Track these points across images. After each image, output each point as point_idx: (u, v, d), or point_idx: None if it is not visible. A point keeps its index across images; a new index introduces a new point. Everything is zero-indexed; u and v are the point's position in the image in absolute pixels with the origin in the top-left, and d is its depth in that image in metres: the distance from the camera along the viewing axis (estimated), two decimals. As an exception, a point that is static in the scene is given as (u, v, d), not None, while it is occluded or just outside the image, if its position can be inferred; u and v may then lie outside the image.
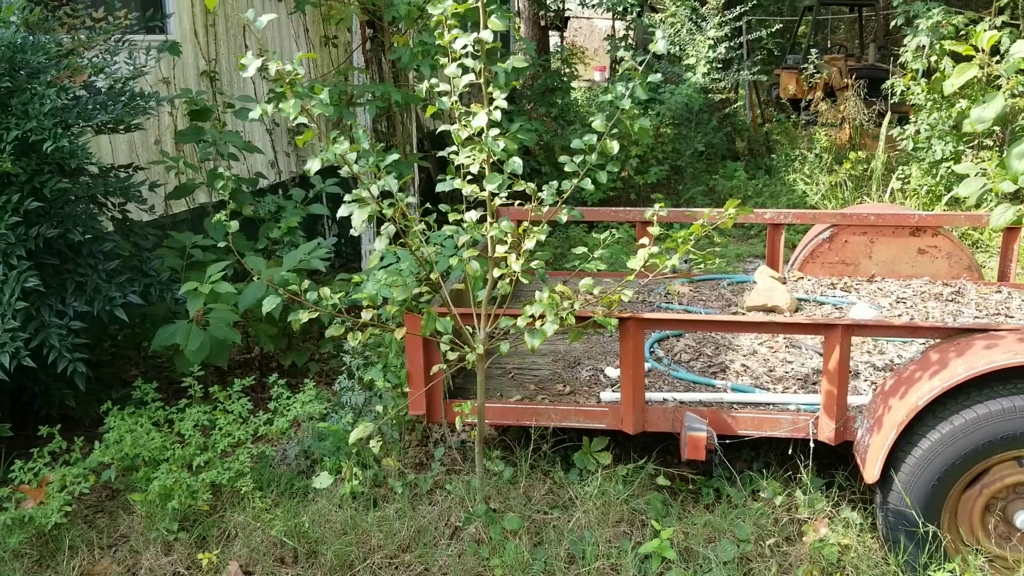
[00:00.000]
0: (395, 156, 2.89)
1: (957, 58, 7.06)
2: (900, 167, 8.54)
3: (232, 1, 6.56)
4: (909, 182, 8.21)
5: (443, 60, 3.22)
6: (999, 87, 6.71)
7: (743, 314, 4.52)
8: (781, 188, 9.65)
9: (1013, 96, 6.09)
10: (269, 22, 6.73)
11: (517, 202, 3.27)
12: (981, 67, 6.14)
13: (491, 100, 3.15)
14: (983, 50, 4.55)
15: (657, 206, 3.29)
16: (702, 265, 5.54)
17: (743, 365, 3.95)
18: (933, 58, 7.75)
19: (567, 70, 11.53)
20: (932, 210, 7.79)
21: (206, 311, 4.27)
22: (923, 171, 8.00)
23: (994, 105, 3.88)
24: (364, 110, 6.30)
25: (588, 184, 3.21)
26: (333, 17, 6.32)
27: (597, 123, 3.18)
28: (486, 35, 3.09)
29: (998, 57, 6.79)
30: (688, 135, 10.37)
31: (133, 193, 4.35)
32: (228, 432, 3.75)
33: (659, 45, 3.08)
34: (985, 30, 4.62)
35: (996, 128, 6.55)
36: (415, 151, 7.04)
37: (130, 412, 3.82)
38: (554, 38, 17.85)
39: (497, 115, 3.11)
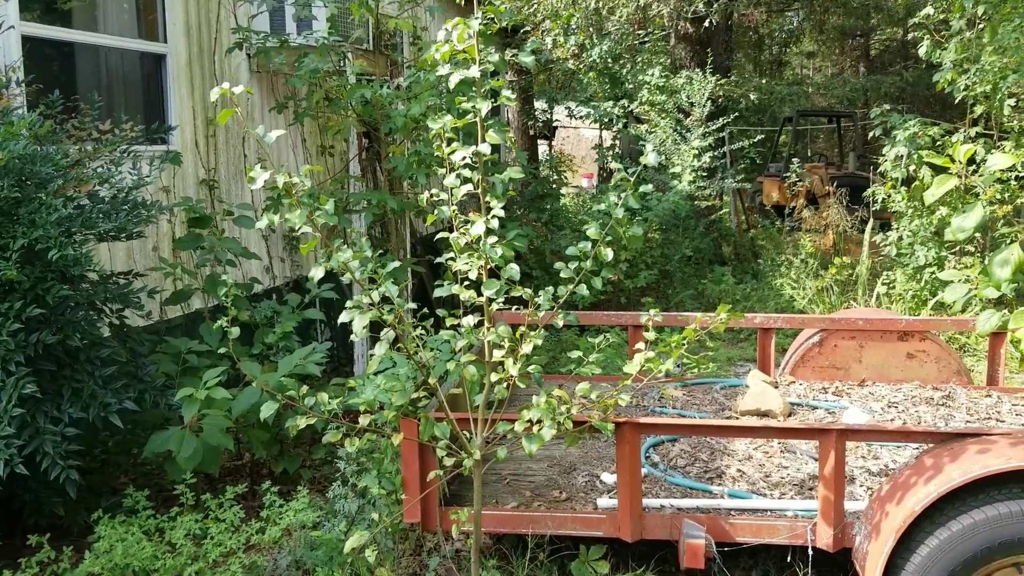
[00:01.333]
0: (395, 264, 2.96)
1: (935, 168, 7.30)
2: (885, 272, 8.70)
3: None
4: (894, 287, 8.36)
5: (440, 170, 3.33)
6: (977, 194, 6.93)
7: (737, 418, 4.54)
8: (769, 292, 9.79)
9: (991, 204, 6.29)
10: (269, 131, 6.88)
11: (514, 307, 3.33)
12: (959, 177, 6.36)
13: (488, 209, 3.25)
14: (960, 162, 4.74)
15: (653, 311, 3.36)
16: (695, 369, 5.59)
17: (739, 470, 3.95)
18: (912, 167, 8.01)
19: (556, 178, 11.82)
20: (918, 314, 7.91)
21: (199, 417, 4.26)
22: (907, 276, 8.15)
23: (974, 215, 4.03)
24: (360, 216, 6.43)
25: (583, 290, 3.28)
26: (331, 128, 6.52)
27: (592, 231, 3.27)
28: (484, 148, 3.21)
29: (975, 167, 7.03)
30: (676, 240, 10.58)
31: (132, 300, 4.40)
32: (220, 541, 3.69)
33: (650, 158, 3.20)
34: (961, 142, 4.82)
35: (977, 234, 6.74)
36: (408, 256, 7.16)
37: (120, 521, 3.77)
38: (542, 146, 18.34)
39: (495, 223, 3.20)
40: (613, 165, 3.38)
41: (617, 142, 14.45)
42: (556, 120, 17.13)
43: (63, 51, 5.39)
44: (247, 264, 6.71)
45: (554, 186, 11.51)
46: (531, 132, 15.37)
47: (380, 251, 6.95)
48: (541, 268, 9.66)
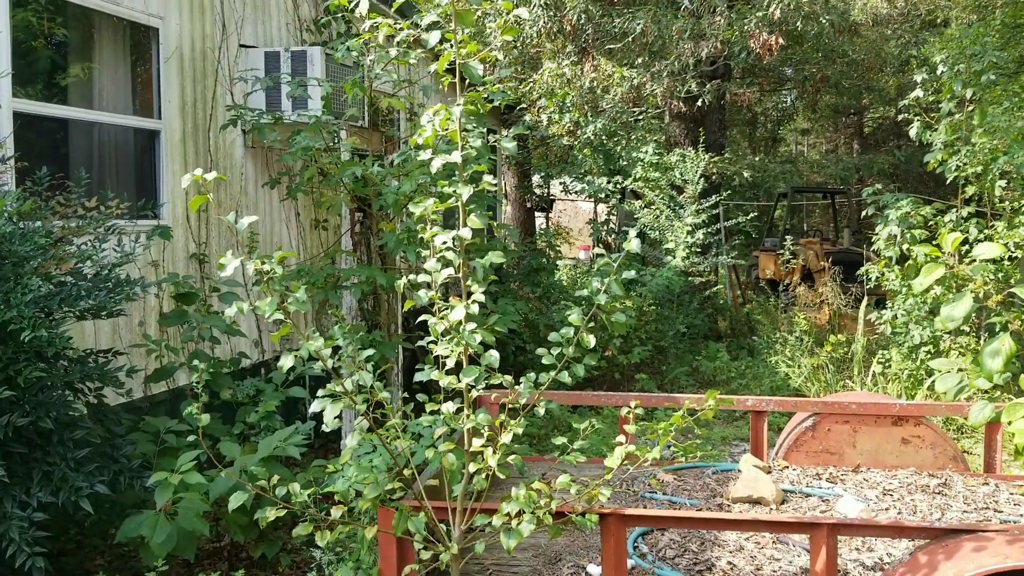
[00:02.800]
0: (370, 352, 2.89)
1: (926, 255, 7.29)
2: (880, 351, 8.63)
3: (226, 187, 6.78)
4: (890, 366, 8.27)
5: (425, 252, 3.30)
6: (968, 276, 6.89)
7: (728, 506, 4.42)
8: (764, 370, 9.69)
9: (984, 285, 6.24)
10: (263, 205, 6.85)
11: (494, 395, 3.26)
12: (948, 266, 6.33)
13: (469, 294, 3.20)
14: (949, 252, 4.74)
15: (633, 403, 3.28)
16: (683, 458, 5.48)
17: (729, 563, 3.82)
18: (904, 246, 8.00)
19: (551, 251, 11.84)
20: (915, 393, 7.80)
21: (175, 500, 4.15)
22: (903, 355, 8.08)
23: (963, 305, 3.99)
24: (351, 291, 6.39)
25: (565, 376, 3.21)
26: (324, 203, 6.53)
27: (573, 317, 3.21)
28: (465, 233, 3.17)
29: (968, 246, 7.01)
30: (670, 316, 10.52)
31: (111, 378, 4.32)
32: (188, 634, 3.55)
33: (632, 244, 3.16)
34: (950, 229, 4.80)
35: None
36: (400, 330, 7.09)
37: (86, 611, 3.63)
38: (539, 218, 18.46)
39: (475, 308, 3.15)
40: (596, 250, 3.34)
41: (613, 216, 14.55)
42: (552, 194, 17.27)
43: (56, 126, 5.42)
44: (235, 338, 6.64)
45: (549, 260, 11.53)
46: (528, 204, 15.48)
47: (370, 325, 6.91)
48: (535, 342, 9.57)
